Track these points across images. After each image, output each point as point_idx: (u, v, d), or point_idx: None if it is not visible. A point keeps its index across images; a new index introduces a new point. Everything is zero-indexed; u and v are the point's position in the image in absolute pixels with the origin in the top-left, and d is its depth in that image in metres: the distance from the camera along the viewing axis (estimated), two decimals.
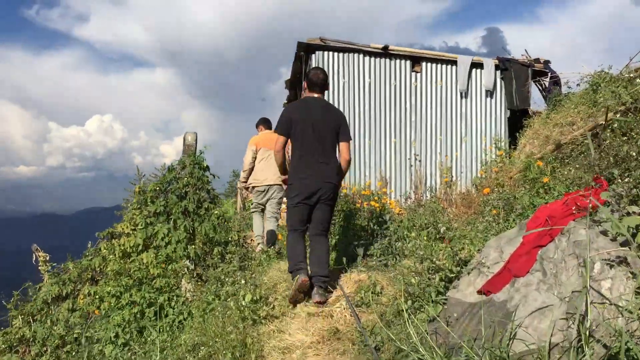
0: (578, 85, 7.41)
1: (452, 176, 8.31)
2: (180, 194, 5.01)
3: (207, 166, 5.16)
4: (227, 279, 4.33)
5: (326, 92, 4.32)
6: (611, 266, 2.53)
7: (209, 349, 3.56)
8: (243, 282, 3.94)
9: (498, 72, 8.67)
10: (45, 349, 4.79)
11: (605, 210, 2.64)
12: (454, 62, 8.64)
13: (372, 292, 3.88)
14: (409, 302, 3.44)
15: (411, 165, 8.44)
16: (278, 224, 6.10)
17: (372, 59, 8.54)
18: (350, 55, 8.47)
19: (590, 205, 2.92)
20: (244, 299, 3.81)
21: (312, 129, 4.02)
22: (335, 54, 8.43)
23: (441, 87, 8.62)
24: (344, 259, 4.62)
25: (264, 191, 5.98)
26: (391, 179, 8.41)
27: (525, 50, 9.16)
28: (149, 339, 4.26)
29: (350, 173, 8.29)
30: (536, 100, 9.01)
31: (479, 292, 3.24)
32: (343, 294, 4.01)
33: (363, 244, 4.76)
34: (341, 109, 8.32)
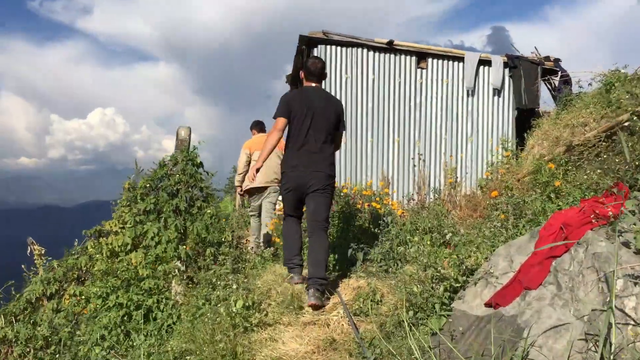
0: (589, 84, 7.16)
1: (457, 177, 8.05)
2: (171, 191, 4.78)
3: (201, 162, 4.93)
4: (219, 282, 4.12)
5: (323, 82, 4.26)
6: (635, 283, 2.29)
7: (197, 357, 3.37)
8: (235, 287, 3.71)
9: (506, 70, 8.40)
10: (28, 350, 4.58)
11: (630, 219, 2.40)
12: (461, 59, 8.38)
13: (371, 301, 3.67)
14: (411, 313, 3.23)
15: (414, 165, 8.18)
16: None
17: (377, 54, 8.28)
18: (354, 50, 8.21)
19: (611, 213, 2.68)
20: (235, 305, 3.61)
21: (312, 118, 3.93)
22: (338, 48, 8.17)
23: (447, 84, 8.35)
24: (343, 264, 4.40)
25: (259, 193, 5.91)
26: (393, 179, 8.17)
27: (535, 48, 8.89)
28: (135, 343, 4.05)
29: (351, 172, 8.08)
30: (545, 100, 8.75)
31: (487, 304, 3.01)
32: (341, 301, 3.79)
33: (363, 247, 4.54)
34: (343, 105, 8.10)
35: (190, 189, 4.82)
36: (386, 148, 8.21)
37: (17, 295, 5.24)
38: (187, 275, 4.71)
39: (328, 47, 8.13)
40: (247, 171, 5.85)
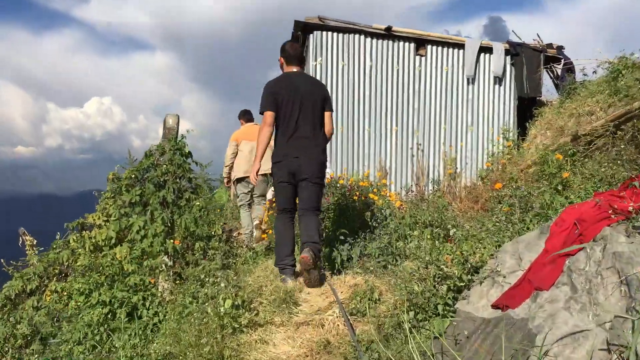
0: (594, 72, 6.92)
1: (457, 168, 7.81)
2: (158, 182, 4.53)
3: (190, 152, 4.67)
4: (207, 279, 3.89)
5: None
6: None
7: None
8: (223, 285, 3.47)
9: (508, 58, 8.12)
10: (6, 349, 4.35)
11: None
12: (461, 46, 8.09)
13: (369, 299, 3.45)
14: (411, 314, 3.01)
15: (413, 156, 7.94)
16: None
17: (374, 40, 7.99)
18: (351, 36, 7.92)
19: (632, 208, 2.45)
20: (223, 304, 3.38)
21: (300, 105, 3.81)
22: (335, 34, 7.88)
23: (447, 72, 8.08)
24: (339, 259, 4.17)
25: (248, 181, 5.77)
26: (392, 170, 7.92)
27: (538, 35, 8.60)
28: (117, 344, 3.82)
29: (347, 162, 7.84)
30: (548, 88, 8.48)
31: (494, 305, 2.79)
32: (336, 300, 3.56)
33: (360, 242, 4.30)
34: (340, 93, 7.84)
35: (178, 180, 4.57)
36: (384, 138, 7.96)
37: None
38: (175, 271, 4.47)
39: (324, 33, 7.84)
40: (232, 163, 5.84)
